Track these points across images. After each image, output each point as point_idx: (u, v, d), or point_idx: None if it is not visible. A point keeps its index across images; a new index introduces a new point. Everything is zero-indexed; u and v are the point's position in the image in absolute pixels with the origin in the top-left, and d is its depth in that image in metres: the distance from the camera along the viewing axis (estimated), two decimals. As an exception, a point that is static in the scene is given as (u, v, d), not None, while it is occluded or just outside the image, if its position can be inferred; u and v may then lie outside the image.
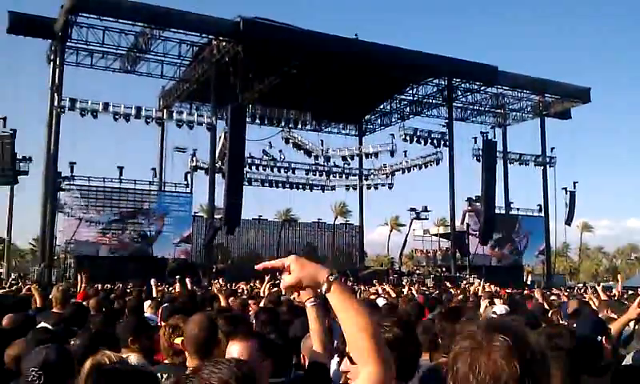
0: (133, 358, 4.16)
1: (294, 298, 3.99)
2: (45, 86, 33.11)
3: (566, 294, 18.38)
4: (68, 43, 32.75)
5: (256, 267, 2.20)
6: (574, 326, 3.45)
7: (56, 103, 31.33)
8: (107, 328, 5.67)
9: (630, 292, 17.71)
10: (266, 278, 13.85)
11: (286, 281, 1.98)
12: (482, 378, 1.58)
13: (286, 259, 2.00)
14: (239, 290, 14.86)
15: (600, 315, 6.00)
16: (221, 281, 16.41)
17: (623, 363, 3.84)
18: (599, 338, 3.52)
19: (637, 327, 4.75)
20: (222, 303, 8.66)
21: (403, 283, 25.59)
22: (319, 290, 1.95)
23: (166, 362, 4.12)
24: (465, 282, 29.42)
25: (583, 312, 7.33)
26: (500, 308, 6.71)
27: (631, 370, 3.58)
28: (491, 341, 1.62)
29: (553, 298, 13.90)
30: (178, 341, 4.02)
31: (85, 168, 34.77)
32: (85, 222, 33.06)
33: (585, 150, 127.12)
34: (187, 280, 13.48)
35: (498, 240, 41.69)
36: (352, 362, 1.99)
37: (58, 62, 32.16)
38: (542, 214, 44.24)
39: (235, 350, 2.90)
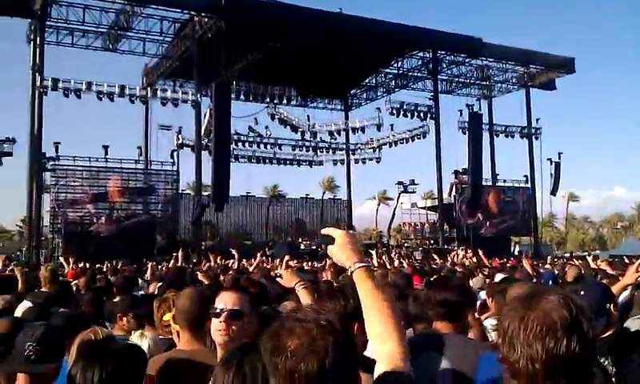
0: (149, 335, 4.15)
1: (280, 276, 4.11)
2: (27, 66, 32.75)
3: (552, 263, 18.53)
4: (48, 22, 32.20)
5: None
6: (582, 293, 3.45)
7: (38, 83, 30.94)
8: (96, 306, 5.68)
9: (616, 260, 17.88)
10: (258, 256, 13.89)
11: (330, 250, 2.29)
12: (534, 328, 1.68)
13: (336, 232, 2.29)
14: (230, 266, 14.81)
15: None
16: (212, 258, 16.27)
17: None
18: (608, 305, 3.54)
19: (636, 293, 4.80)
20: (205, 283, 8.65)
21: (392, 256, 25.71)
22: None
23: (160, 337, 4.15)
24: (453, 253, 29.60)
25: (586, 279, 7.40)
26: (498, 276, 6.78)
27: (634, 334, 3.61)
28: (540, 298, 1.74)
29: (547, 267, 14.00)
30: (166, 317, 4.03)
31: (70, 148, 34.52)
32: (71, 202, 32.91)
33: (570, 120, 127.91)
34: (179, 255, 13.46)
35: (486, 211, 41.87)
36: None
37: (38, 42, 31.69)
38: (529, 185, 44.49)
39: (229, 298, 2.91)
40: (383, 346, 2.02)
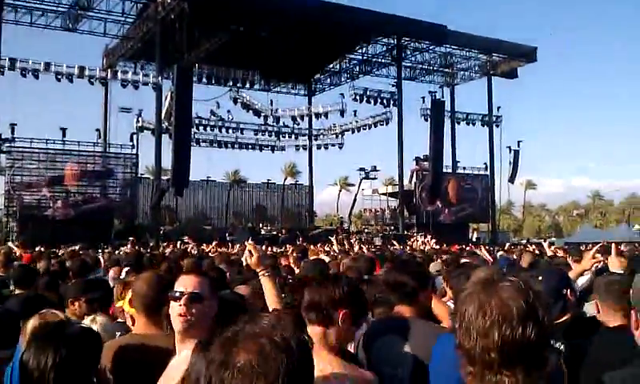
0: (99, 319, 4.08)
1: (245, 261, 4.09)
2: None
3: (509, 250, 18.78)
4: (6, 0, 31.45)
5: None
6: (539, 278, 3.48)
7: (-6, 62, 30.21)
8: (52, 290, 5.56)
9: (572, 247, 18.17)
10: (214, 242, 13.85)
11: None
12: (491, 316, 1.68)
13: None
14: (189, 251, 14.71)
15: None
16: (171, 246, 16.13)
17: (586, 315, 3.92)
18: (564, 290, 3.57)
19: (595, 279, 4.89)
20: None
21: (352, 242, 25.81)
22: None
23: (119, 320, 4.08)
24: (413, 239, 29.87)
25: (541, 264, 7.52)
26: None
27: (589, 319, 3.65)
28: (497, 285, 1.75)
29: (502, 253, 14.16)
30: (119, 304, 3.98)
31: (26, 130, 33.81)
32: (27, 185, 32.27)
33: (531, 109, 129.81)
34: (130, 239, 13.30)
35: (446, 198, 42.29)
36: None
37: (-5, 20, 30.93)
38: (488, 173, 45.06)
39: (189, 281, 2.85)
40: None
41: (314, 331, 2.60)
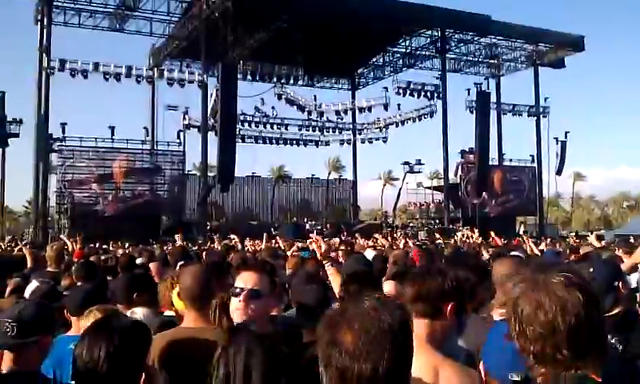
0: (139, 312, 4.19)
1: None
2: (34, 47, 32.74)
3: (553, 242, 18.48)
4: (55, 2, 32.24)
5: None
6: (590, 270, 3.41)
7: (45, 64, 30.95)
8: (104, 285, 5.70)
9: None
10: (265, 236, 14.01)
11: None
12: (549, 311, 1.66)
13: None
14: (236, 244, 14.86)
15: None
16: (216, 239, 16.29)
17: None
18: (616, 283, 3.51)
19: None
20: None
21: (398, 236, 25.70)
22: None
23: (167, 313, 4.18)
24: (460, 233, 29.58)
25: (591, 256, 7.38)
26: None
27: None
28: (548, 278, 1.72)
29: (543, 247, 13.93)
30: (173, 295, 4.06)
31: (76, 129, 34.61)
32: (78, 182, 33.03)
33: (578, 99, 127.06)
34: (177, 236, 13.46)
35: (492, 191, 41.74)
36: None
37: (45, 22, 31.68)
38: (535, 165, 44.33)
39: (249, 277, 2.96)
40: None
41: (420, 323, 2.54)
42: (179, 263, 7.60)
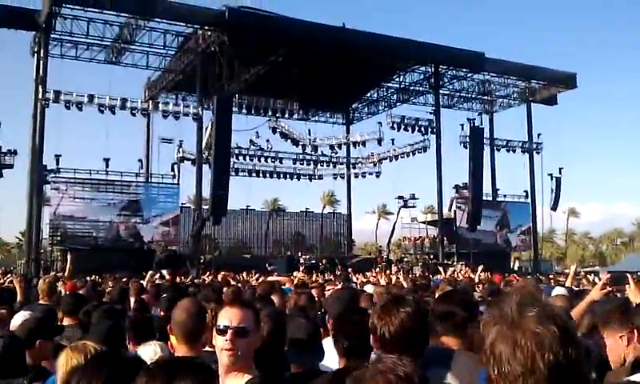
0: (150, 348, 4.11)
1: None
2: (29, 78, 32.85)
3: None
4: (52, 35, 32.41)
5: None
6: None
7: (40, 96, 31.00)
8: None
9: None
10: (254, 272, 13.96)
11: None
12: (530, 348, 1.60)
13: None
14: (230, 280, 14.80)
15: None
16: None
17: None
18: None
19: None
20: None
21: (393, 271, 25.64)
22: None
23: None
24: (452, 268, 29.53)
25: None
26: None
27: None
28: (525, 315, 1.66)
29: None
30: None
31: (71, 160, 34.58)
32: (71, 214, 32.94)
33: (572, 135, 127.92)
34: (165, 271, 13.34)
35: (485, 226, 41.82)
36: None
37: (42, 54, 31.79)
38: (529, 200, 44.47)
39: (234, 315, 2.85)
40: None
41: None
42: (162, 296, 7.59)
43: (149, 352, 3.92)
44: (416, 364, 2.48)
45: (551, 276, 22.45)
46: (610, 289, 5.44)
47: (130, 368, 2.45)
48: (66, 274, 10.29)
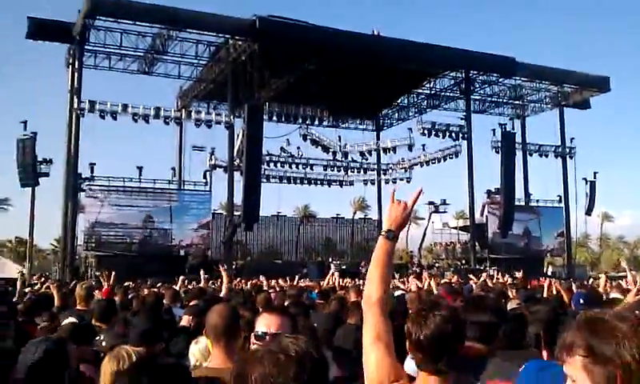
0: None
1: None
2: (64, 88, 33.49)
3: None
4: (86, 46, 32.94)
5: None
6: None
7: (75, 105, 31.56)
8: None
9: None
10: (296, 277, 14.12)
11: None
12: None
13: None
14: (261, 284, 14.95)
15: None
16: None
17: None
18: None
19: None
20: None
21: (424, 276, 25.48)
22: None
23: None
24: (485, 274, 29.28)
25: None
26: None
27: None
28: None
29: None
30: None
31: (105, 169, 35.13)
32: (106, 221, 33.47)
33: (605, 139, 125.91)
34: (202, 276, 13.48)
35: (519, 231, 41.46)
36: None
37: (76, 66, 32.39)
38: (562, 205, 43.92)
39: (272, 321, 2.97)
40: (367, 287, 2.72)
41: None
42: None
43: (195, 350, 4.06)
44: (451, 369, 2.57)
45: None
46: None
47: (172, 373, 2.53)
48: (105, 283, 10.44)
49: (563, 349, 1.66)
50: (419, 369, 2.60)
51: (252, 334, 2.99)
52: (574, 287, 12.07)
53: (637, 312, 1.68)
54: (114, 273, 10.45)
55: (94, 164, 33.42)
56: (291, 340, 1.74)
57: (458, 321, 2.67)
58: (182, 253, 34.99)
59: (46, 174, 33.63)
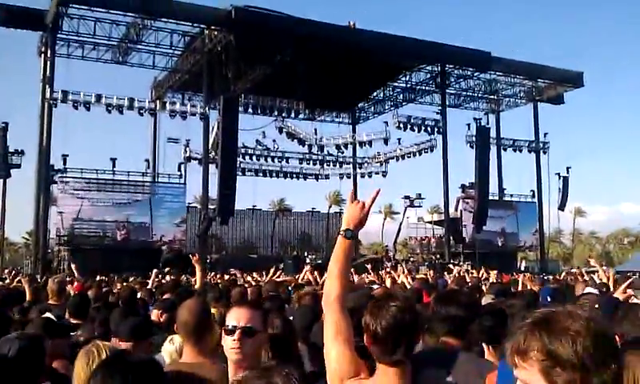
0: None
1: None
2: (37, 78, 32.99)
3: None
4: (59, 35, 32.54)
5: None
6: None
7: (48, 95, 31.13)
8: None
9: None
10: (271, 271, 14.04)
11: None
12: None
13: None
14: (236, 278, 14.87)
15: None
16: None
17: None
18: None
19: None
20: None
21: (399, 271, 25.53)
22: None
23: None
24: (459, 268, 29.46)
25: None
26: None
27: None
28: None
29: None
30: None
31: (77, 160, 34.69)
32: (78, 214, 33.05)
33: (578, 134, 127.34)
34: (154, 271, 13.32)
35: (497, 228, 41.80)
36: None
37: (49, 54, 31.95)
38: (535, 200, 44.35)
39: (242, 314, 2.92)
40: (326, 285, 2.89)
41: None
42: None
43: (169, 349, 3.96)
44: (408, 359, 2.60)
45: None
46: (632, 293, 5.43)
47: (145, 370, 2.47)
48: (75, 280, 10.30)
49: (516, 352, 1.59)
50: (378, 361, 2.61)
51: (222, 328, 2.95)
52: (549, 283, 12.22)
53: (585, 308, 1.67)
54: (74, 266, 10.30)
55: (67, 155, 32.99)
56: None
57: (413, 310, 2.67)
58: (156, 247, 34.63)
59: (18, 166, 33.20)
